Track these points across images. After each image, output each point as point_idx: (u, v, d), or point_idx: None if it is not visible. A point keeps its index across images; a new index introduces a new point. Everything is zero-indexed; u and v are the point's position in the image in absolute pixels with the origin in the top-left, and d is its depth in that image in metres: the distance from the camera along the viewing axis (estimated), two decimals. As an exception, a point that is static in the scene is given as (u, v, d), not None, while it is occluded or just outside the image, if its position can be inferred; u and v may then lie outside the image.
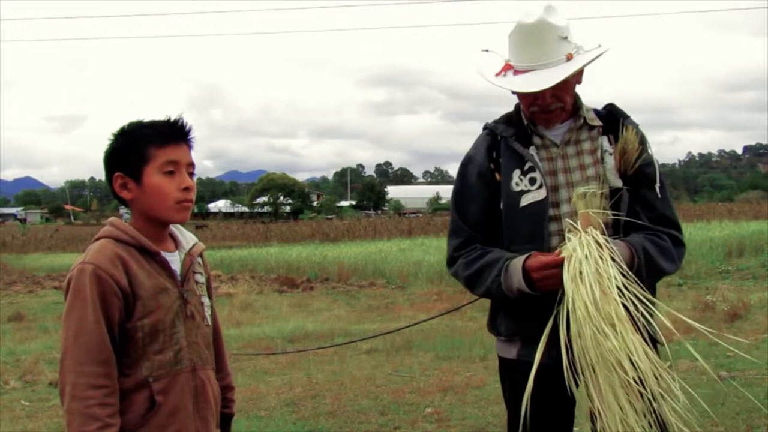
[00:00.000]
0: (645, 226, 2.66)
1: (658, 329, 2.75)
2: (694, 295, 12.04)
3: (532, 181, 2.67)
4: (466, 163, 2.85)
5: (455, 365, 7.87)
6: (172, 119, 2.28)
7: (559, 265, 2.48)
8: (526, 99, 2.71)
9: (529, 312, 2.63)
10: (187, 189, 2.25)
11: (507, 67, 2.73)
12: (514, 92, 2.75)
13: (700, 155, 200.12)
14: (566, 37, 2.65)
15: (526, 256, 2.57)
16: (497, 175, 2.75)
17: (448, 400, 6.36)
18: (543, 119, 2.71)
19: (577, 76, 2.71)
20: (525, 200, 2.67)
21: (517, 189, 2.69)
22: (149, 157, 2.21)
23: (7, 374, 8.15)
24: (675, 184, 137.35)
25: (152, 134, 2.23)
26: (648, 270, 2.58)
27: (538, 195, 2.65)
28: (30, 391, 7.48)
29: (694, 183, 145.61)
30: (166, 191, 2.22)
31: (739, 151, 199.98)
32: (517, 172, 2.70)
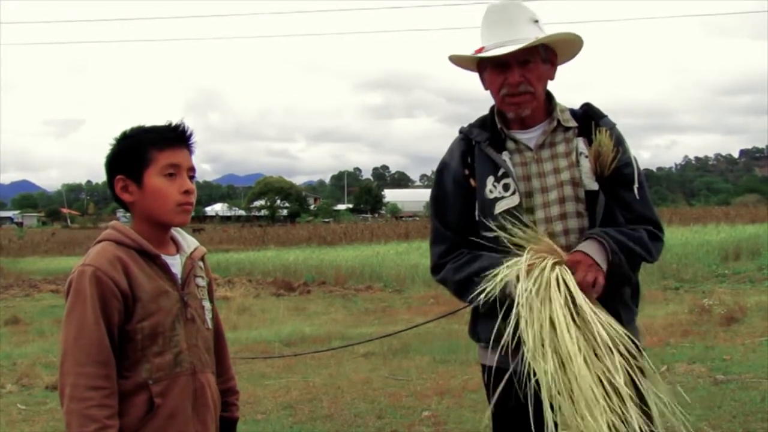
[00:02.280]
0: (622, 225, 2.62)
1: (639, 336, 2.71)
2: (690, 298, 12.05)
3: (506, 187, 2.64)
4: (442, 170, 2.83)
5: (452, 369, 7.88)
6: (174, 124, 2.30)
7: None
8: (496, 82, 2.68)
9: (507, 319, 2.55)
10: (187, 192, 2.27)
11: (478, 51, 2.70)
12: (481, 68, 2.74)
13: (697, 159, 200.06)
14: (537, 21, 2.65)
15: None
16: (472, 181, 2.72)
17: (445, 404, 6.36)
18: (513, 105, 2.66)
19: (549, 71, 2.71)
20: (499, 207, 2.64)
21: (491, 196, 2.66)
22: (150, 160, 2.24)
23: (4, 378, 8.15)
24: (671, 188, 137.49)
25: (154, 138, 2.26)
26: (623, 251, 2.52)
27: (511, 201, 2.62)
28: (27, 394, 7.47)
29: (690, 187, 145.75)
30: (166, 193, 2.24)
31: (736, 155, 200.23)
32: (490, 179, 2.67)
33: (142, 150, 2.24)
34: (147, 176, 2.24)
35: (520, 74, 2.62)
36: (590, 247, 2.51)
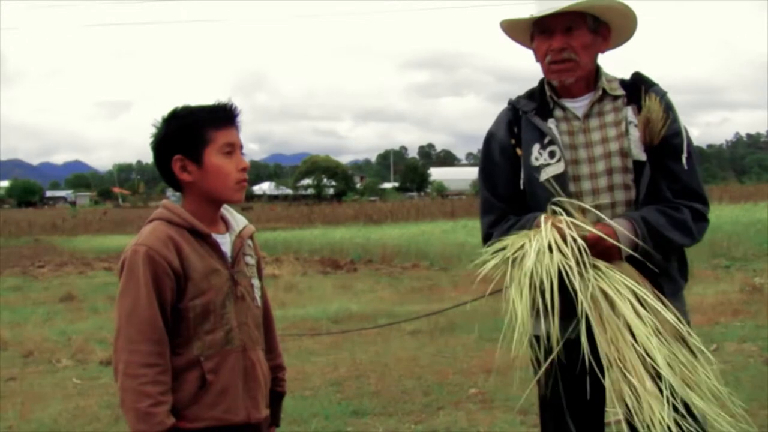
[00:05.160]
0: (666, 199, 2.60)
1: (685, 309, 2.69)
2: (741, 277, 11.85)
3: (552, 154, 2.64)
4: (489, 140, 2.84)
5: (499, 346, 7.85)
6: (223, 103, 2.33)
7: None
8: (541, 49, 2.69)
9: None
10: (244, 169, 2.32)
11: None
12: (533, 39, 2.74)
13: (748, 136, 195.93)
14: None
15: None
16: (518, 150, 2.73)
17: (492, 382, 6.35)
18: (556, 72, 2.67)
19: (599, 43, 2.70)
20: (544, 174, 2.64)
21: (537, 163, 2.66)
22: (209, 140, 2.27)
23: (59, 353, 8.34)
24: (722, 166, 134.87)
25: (209, 117, 2.29)
26: (655, 242, 2.52)
27: (557, 168, 2.62)
28: (81, 369, 7.64)
29: (741, 164, 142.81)
30: (226, 171, 2.28)
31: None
32: (536, 147, 2.67)
33: (200, 130, 2.27)
34: (207, 155, 2.27)
35: (563, 40, 2.63)
36: (621, 225, 2.51)
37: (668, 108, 2.62)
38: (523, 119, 2.74)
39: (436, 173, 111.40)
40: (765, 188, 45.53)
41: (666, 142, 2.60)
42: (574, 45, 2.63)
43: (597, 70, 2.75)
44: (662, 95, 2.65)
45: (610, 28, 2.73)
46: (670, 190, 2.61)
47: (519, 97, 2.82)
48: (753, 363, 6.41)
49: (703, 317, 8.25)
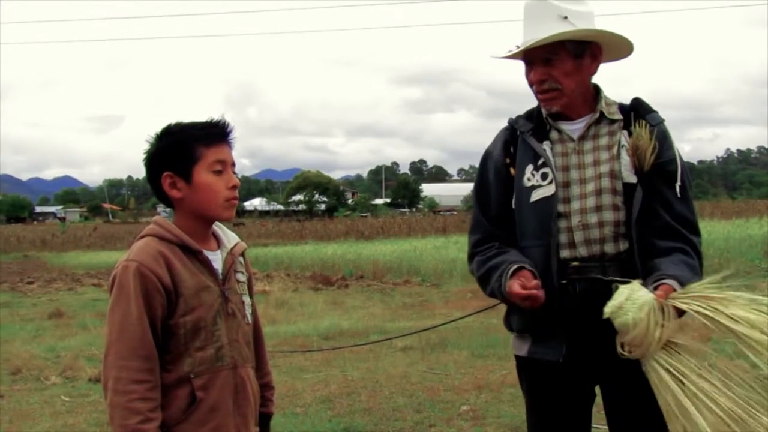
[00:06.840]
0: (662, 230, 2.58)
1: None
2: (733, 293, 11.84)
3: (544, 176, 2.63)
4: (486, 158, 2.84)
5: (490, 363, 7.85)
6: (216, 120, 2.33)
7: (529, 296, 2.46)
8: (528, 78, 2.70)
9: (536, 309, 2.58)
10: (234, 187, 2.31)
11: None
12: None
13: (739, 152, 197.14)
14: (566, 17, 2.60)
15: (515, 268, 2.53)
16: (512, 170, 2.72)
17: (484, 398, 6.35)
18: (542, 101, 2.68)
19: (586, 65, 2.65)
20: (535, 196, 2.64)
21: (528, 184, 2.66)
22: (199, 157, 2.26)
23: (48, 370, 8.27)
24: (713, 182, 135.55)
25: (200, 134, 2.28)
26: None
27: (547, 191, 2.62)
28: (70, 386, 7.58)
29: (732, 180, 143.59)
30: (216, 189, 2.27)
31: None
32: (529, 168, 2.67)
33: (190, 147, 2.26)
34: (196, 173, 2.26)
35: (543, 72, 2.63)
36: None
37: (662, 136, 2.59)
38: (520, 139, 2.74)
39: (428, 189, 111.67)
40: (756, 204, 45.79)
41: (659, 169, 2.58)
42: (555, 74, 2.62)
43: (597, 93, 2.73)
44: (657, 123, 2.62)
45: (600, 46, 2.69)
46: (663, 217, 2.59)
47: (518, 117, 2.82)
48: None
49: (695, 334, 8.23)
